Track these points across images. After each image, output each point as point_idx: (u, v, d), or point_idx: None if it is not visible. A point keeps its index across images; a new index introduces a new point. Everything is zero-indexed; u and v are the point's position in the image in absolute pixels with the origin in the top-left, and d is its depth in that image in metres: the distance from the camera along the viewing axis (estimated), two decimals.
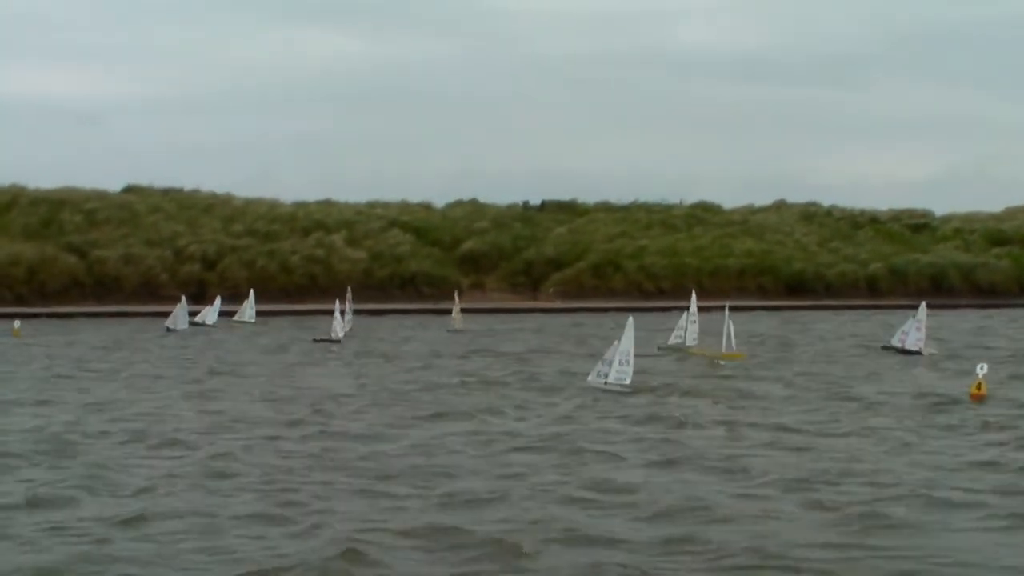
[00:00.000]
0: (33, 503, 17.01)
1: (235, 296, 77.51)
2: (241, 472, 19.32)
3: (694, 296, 43.73)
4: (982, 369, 28.76)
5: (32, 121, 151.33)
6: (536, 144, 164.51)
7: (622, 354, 30.43)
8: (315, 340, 50.44)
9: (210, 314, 61.78)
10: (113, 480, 18.83)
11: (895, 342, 42.04)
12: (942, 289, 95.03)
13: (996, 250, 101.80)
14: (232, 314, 63.28)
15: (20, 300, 71.41)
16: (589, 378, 31.48)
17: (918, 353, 39.90)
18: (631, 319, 30.94)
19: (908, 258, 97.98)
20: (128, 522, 15.82)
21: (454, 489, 17.88)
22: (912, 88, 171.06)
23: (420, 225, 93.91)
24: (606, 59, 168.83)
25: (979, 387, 28.26)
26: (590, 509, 16.63)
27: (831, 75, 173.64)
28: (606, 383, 30.52)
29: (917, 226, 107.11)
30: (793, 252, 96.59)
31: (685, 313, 42.91)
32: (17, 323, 55.91)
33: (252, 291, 66.55)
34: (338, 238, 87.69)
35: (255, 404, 28.58)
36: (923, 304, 42.20)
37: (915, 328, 40.92)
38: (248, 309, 64.07)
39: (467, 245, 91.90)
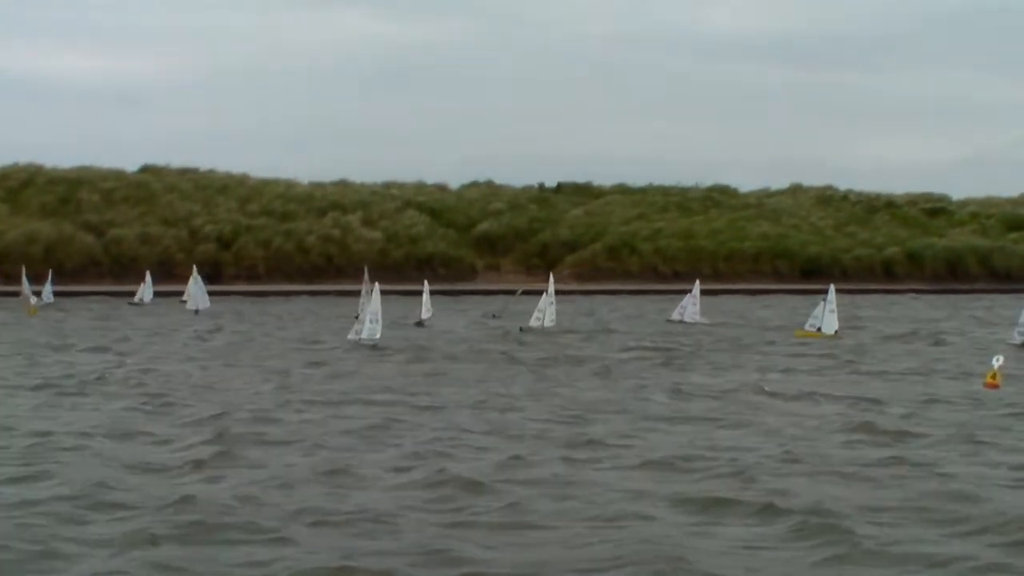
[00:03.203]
0: None
1: (252, 276, 77.64)
2: None
3: (551, 278, 46.11)
4: (998, 360, 28.72)
5: (50, 101, 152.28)
6: (553, 126, 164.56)
7: (372, 314, 34.81)
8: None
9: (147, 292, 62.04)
10: None
11: (675, 316, 49.48)
12: (958, 273, 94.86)
13: (1013, 235, 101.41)
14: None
15: (37, 279, 71.55)
16: (348, 336, 35.79)
17: (696, 323, 47.68)
18: (376, 285, 35.20)
19: (924, 242, 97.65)
20: None
21: None
22: (930, 72, 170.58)
23: (436, 206, 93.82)
24: (626, 42, 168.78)
25: (993, 376, 28.26)
26: None
27: (850, 59, 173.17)
28: (360, 339, 34.80)
29: (934, 210, 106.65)
30: (809, 236, 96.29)
31: (544, 295, 44.59)
32: (34, 300, 55.90)
33: (148, 272, 65.38)
34: (354, 219, 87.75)
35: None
36: (696, 282, 51.27)
37: (691, 303, 49.18)
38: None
39: (483, 227, 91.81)
